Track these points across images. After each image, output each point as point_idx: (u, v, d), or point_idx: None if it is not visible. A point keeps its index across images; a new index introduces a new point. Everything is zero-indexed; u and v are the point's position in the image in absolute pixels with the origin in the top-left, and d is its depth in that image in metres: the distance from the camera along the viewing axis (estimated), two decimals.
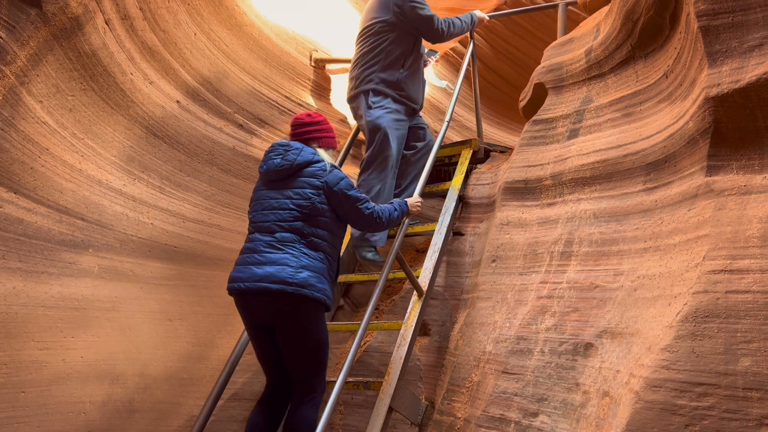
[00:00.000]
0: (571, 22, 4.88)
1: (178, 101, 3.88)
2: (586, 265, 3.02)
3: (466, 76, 4.82)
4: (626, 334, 2.58)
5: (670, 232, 2.62)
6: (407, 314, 3.47)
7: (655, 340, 2.28)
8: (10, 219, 2.89)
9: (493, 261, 3.61)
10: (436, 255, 3.74)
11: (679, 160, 2.71)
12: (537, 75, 3.95)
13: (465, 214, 4.24)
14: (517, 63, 6.05)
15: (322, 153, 3.04)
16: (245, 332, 3.20)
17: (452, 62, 5.85)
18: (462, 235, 4.14)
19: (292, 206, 2.84)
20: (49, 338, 3.11)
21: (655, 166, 2.86)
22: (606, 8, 3.68)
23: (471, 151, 4.53)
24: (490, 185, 4.19)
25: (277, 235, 2.80)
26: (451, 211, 4.05)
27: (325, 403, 2.67)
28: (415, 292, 3.54)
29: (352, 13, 5.44)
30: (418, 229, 4.22)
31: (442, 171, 4.82)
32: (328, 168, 2.93)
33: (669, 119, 2.82)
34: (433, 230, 3.96)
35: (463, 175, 4.33)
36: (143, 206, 3.66)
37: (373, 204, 3.02)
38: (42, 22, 2.85)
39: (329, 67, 5.06)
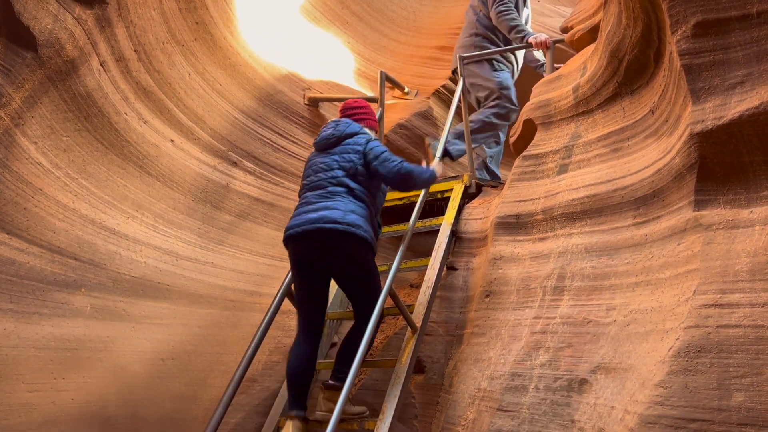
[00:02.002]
0: (559, 59, 4.98)
1: (172, 140, 3.91)
2: (579, 300, 3.03)
3: (457, 112, 4.89)
4: (620, 369, 2.58)
5: (661, 266, 2.64)
6: (401, 351, 3.45)
7: (649, 375, 2.28)
8: (2, 260, 2.89)
9: (487, 296, 3.62)
10: (430, 290, 3.75)
11: (667, 195, 2.75)
12: (526, 111, 4.02)
13: (458, 249, 4.25)
14: None
15: (367, 130, 3.63)
16: (238, 371, 3.17)
17: (443, 98, 5.93)
18: (455, 269, 4.15)
19: (338, 166, 3.38)
20: (40, 380, 3.08)
21: (644, 201, 2.90)
22: (592, 46, 3.76)
23: (463, 185, 4.57)
24: (482, 220, 4.21)
25: (327, 189, 3.31)
26: (444, 245, 4.06)
27: None
28: (408, 328, 3.52)
29: (346, 54, 5.54)
30: (412, 264, 4.22)
31: (435, 205, 4.85)
32: (371, 138, 3.52)
33: (656, 154, 2.86)
34: (427, 265, 3.97)
35: (456, 209, 4.36)
36: (136, 245, 3.67)
37: (403, 161, 3.42)
38: (37, 65, 2.90)
39: (323, 105, 5.12)
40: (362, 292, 3.30)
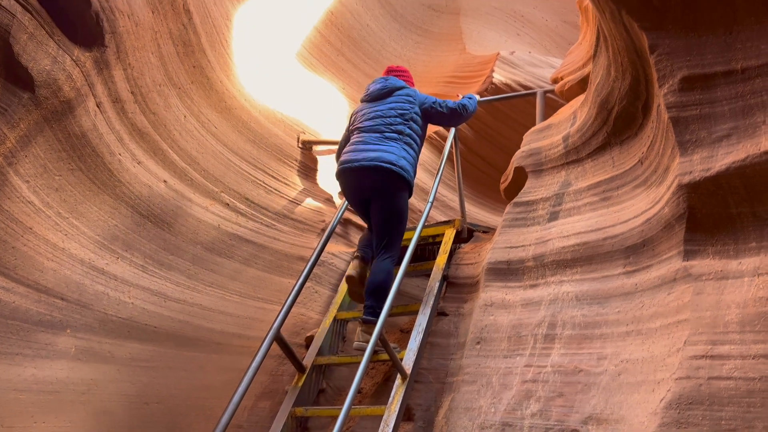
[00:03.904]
0: (549, 108, 5.07)
1: (165, 181, 3.92)
2: (570, 349, 3.01)
3: (449, 158, 4.94)
4: (611, 420, 2.54)
5: (651, 315, 2.64)
6: (390, 398, 3.39)
7: (640, 427, 2.25)
8: None
9: (478, 343, 3.59)
10: (420, 336, 3.71)
11: (656, 245, 2.76)
12: (517, 159, 4.07)
13: (449, 294, 4.23)
14: (499, 146, 6.23)
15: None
16: (224, 416, 3.09)
17: (435, 144, 6.01)
18: (446, 315, 4.12)
19: (395, 113, 3.85)
20: (19, 423, 3.00)
21: (634, 250, 2.91)
22: (582, 96, 3.84)
23: (454, 230, 4.58)
24: (473, 265, 4.21)
25: (385, 134, 3.77)
26: (435, 290, 4.04)
27: None
28: (398, 375, 3.48)
29: (340, 99, 5.62)
30: (402, 308, 4.19)
31: (426, 250, 4.85)
32: (418, 92, 4.05)
33: (645, 204, 2.89)
34: (418, 310, 3.94)
35: (447, 254, 4.36)
36: (125, 285, 3.63)
37: (452, 102, 4.05)
38: (34, 105, 2.92)
39: (316, 148, 5.17)
40: (394, 227, 3.77)
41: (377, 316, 3.46)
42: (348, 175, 3.77)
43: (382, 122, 3.83)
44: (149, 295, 3.77)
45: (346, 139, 4.09)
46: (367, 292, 3.71)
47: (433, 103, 3.99)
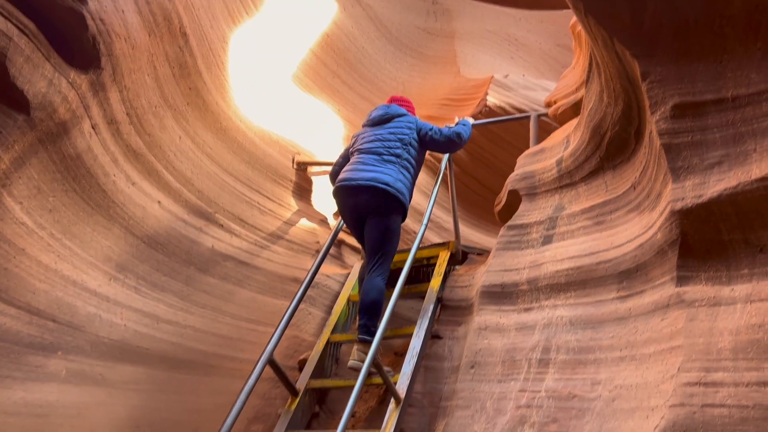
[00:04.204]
0: (543, 131, 5.10)
1: (159, 201, 3.92)
2: (564, 374, 3.00)
3: (444, 180, 4.96)
4: None
5: (645, 341, 2.64)
6: (384, 423, 3.36)
7: None
8: None
9: (472, 367, 3.57)
10: (414, 360, 3.69)
11: (650, 270, 2.77)
12: (511, 182, 4.09)
13: (444, 317, 4.22)
14: (493, 168, 6.26)
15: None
16: None
17: (430, 166, 6.03)
18: (440, 338, 4.10)
19: (395, 138, 3.99)
20: None
21: (628, 275, 2.92)
22: (575, 120, 3.87)
23: (449, 252, 4.58)
24: (467, 288, 4.21)
25: (383, 156, 3.91)
26: (429, 313, 4.03)
27: None
28: (392, 399, 3.45)
29: (335, 120, 5.65)
30: (397, 331, 4.17)
31: (421, 272, 4.84)
32: (419, 119, 4.20)
33: (638, 229, 2.91)
34: (412, 333, 3.92)
35: (441, 276, 4.35)
36: (117, 307, 3.61)
37: (447, 130, 4.18)
38: (29, 127, 2.92)
39: (311, 169, 5.18)
40: (385, 247, 3.85)
41: (372, 334, 3.56)
42: (345, 193, 3.89)
43: (381, 145, 3.97)
44: (141, 317, 3.74)
45: (344, 159, 4.21)
46: (361, 310, 3.77)
47: (429, 130, 4.12)
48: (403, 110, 4.23)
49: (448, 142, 4.15)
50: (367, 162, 3.90)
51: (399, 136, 4.01)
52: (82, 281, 3.41)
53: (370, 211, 3.83)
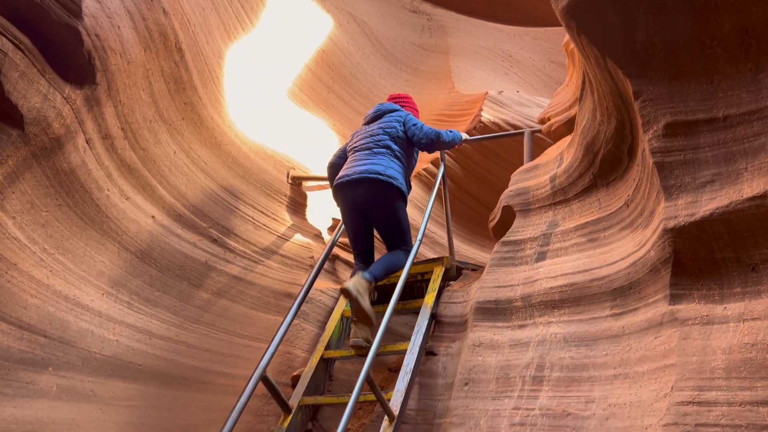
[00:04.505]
0: (537, 147, 5.13)
1: (153, 216, 3.91)
2: (558, 391, 2.99)
3: (438, 195, 4.97)
4: None
5: (639, 359, 2.64)
6: None
7: None
8: None
9: (466, 384, 3.56)
10: (408, 376, 3.67)
11: (643, 287, 2.78)
12: (505, 198, 4.10)
13: (438, 333, 4.21)
14: (488, 183, 6.28)
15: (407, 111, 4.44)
16: None
17: (425, 181, 6.05)
18: (435, 354, 4.09)
19: (383, 132, 4.19)
20: None
21: (621, 292, 2.92)
22: (569, 137, 3.90)
23: (443, 268, 4.58)
24: (462, 304, 4.20)
25: (373, 150, 4.11)
26: (423, 329, 4.02)
27: None
28: (386, 416, 3.43)
29: (330, 135, 5.67)
30: (390, 348, 4.16)
31: (415, 287, 4.84)
32: (410, 113, 4.36)
33: (632, 246, 2.92)
34: (406, 349, 3.91)
35: (436, 292, 4.35)
36: (109, 322, 3.58)
37: (429, 128, 4.21)
38: (22, 142, 2.92)
39: (306, 184, 5.18)
40: (394, 234, 4.08)
41: (373, 276, 3.82)
42: (342, 189, 4.08)
43: (371, 140, 4.19)
44: (134, 333, 3.72)
45: (341, 155, 4.43)
46: (376, 262, 4.00)
47: (413, 125, 4.25)
48: (395, 106, 4.40)
49: (427, 140, 4.21)
50: (360, 158, 4.11)
51: (387, 129, 4.21)
52: (74, 296, 3.39)
53: (370, 201, 3.99)
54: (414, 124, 4.23)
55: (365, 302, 3.72)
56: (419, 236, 4.34)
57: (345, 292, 3.75)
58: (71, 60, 3.14)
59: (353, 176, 4.00)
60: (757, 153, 2.31)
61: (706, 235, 2.40)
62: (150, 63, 3.72)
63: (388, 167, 4.01)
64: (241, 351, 4.32)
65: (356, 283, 3.76)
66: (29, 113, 2.89)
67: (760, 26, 2.23)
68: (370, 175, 3.95)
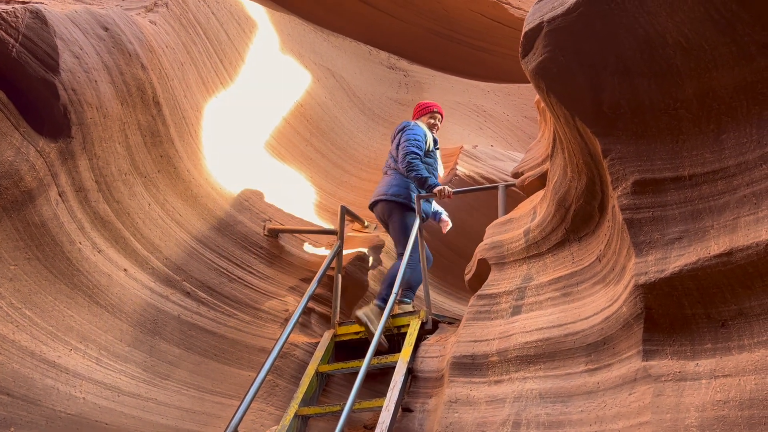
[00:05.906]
0: (511, 199, 5.19)
1: (125, 269, 3.86)
2: None
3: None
4: None
5: (614, 416, 2.62)
6: None
7: None
8: None
9: None
10: None
11: (616, 343, 2.79)
12: (480, 251, 4.12)
13: (414, 389, 4.15)
14: (465, 235, 6.30)
15: (414, 121, 5.22)
16: None
17: None
18: (411, 411, 4.02)
19: (390, 155, 5.18)
20: None
21: (595, 347, 2.93)
22: (542, 192, 3.96)
23: (420, 321, 4.55)
24: (438, 358, 4.16)
25: (386, 172, 5.14)
26: (399, 385, 3.96)
27: None
28: None
29: (308, 187, 5.69)
30: (366, 404, 4.08)
31: (391, 340, 4.78)
32: (406, 127, 5.09)
33: (605, 301, 2.94)
34: (382, 406, 3.84)
35: (412, 346, 4.30)
36: (76, 379, 3.48)
37: (414, 153, 4.89)
38: None
39: (283, 236, 5.16)
40: (400, 237, 4.89)
41: (384, 301, 4.53)
42: (373, 208, 5.12)
43: (385, 164, 5.23)
44: (102, 389, 3.61)
45: None
46: (382, 282, 4.90)
47: (404, 141, 4.96)
48: (403, 124, 5.14)
49: (402, 157, 4.89)
50: (380, 181, 5.17)
51: (391, 152, 5.13)
52: (40, 352, 3.30)
53: (384, 217, 5.02)
54: (399, 142, 4.97)
55: (373, 327, 4.42)
56: (395, 289, 4.33)
57: (356, 319, 4.49)
58: (47, 113, 3.14)
59: (373, 198, 5.08)
60: (722, 211, 2.37)
61: (677, 291, 2.43)
62: (127, 116, 3.74)
63: (392, 186, 4.95)
64: (213, 408, 4.20)
65: (366, 311, 4.53)
66: (1, 167, 2.87)
67: (720, 90, 2.33)
68: (380, 198, 4.98)
